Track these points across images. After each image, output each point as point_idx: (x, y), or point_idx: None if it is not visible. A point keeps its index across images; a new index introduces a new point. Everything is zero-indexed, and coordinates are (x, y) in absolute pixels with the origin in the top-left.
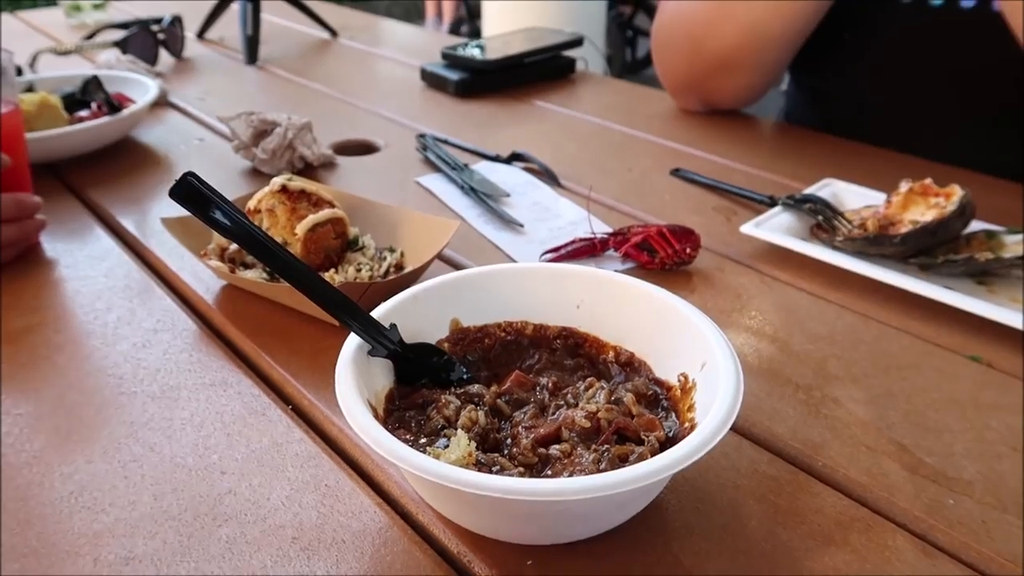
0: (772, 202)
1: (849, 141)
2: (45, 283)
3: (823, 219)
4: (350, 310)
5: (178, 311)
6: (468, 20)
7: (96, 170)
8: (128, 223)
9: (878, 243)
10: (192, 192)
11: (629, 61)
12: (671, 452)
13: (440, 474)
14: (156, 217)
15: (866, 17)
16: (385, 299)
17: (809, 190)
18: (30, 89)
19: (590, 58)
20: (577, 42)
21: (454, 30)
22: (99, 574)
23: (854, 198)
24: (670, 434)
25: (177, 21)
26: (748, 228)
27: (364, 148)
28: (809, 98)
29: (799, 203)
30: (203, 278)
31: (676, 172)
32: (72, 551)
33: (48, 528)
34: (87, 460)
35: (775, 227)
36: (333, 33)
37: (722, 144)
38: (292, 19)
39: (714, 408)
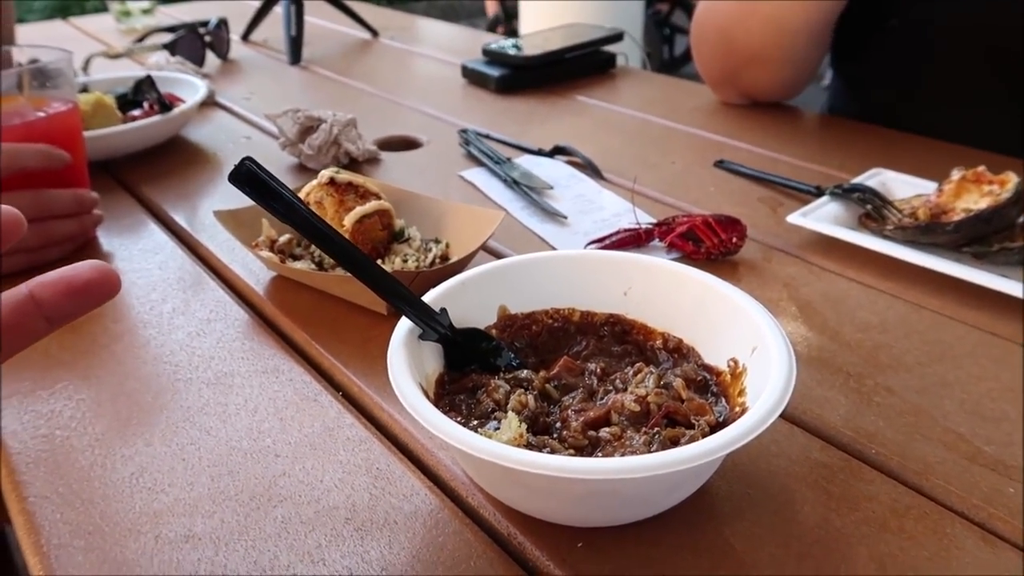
0: (819, 192)
1: (896, 131)
2: None
3: (872, 208)
4: (402, 295)
5: (230, 302)
6: (505, 20)
7: (148, 167)
8: (179, 218)
9: (930, 231)
10: (251, 176)
11: (667, 59)
12: (725, 432)
13: (496, 453)
14: (206, 212)
15: (914, 3)
16: (431, 288)
17: (857, 180)
18: (84, 90)
19: (629, 55)
20: (617, 37)
21: (491, 30)
22: (160, 550)
23: (903, 187)
24: (720, 419)
25: (223, 24)
26: (795, 218)
27: (407, 144)
28: (853, 88)
29: (847, 192)
30: (253, 270)
31: (720, 164)
32: (134, 529)
33: (111, 507)
34: (146, 443)
35: (823, 217)
36: (374, 33)
37: (766, 136)
38: (333, 20)
39: (767, 390)
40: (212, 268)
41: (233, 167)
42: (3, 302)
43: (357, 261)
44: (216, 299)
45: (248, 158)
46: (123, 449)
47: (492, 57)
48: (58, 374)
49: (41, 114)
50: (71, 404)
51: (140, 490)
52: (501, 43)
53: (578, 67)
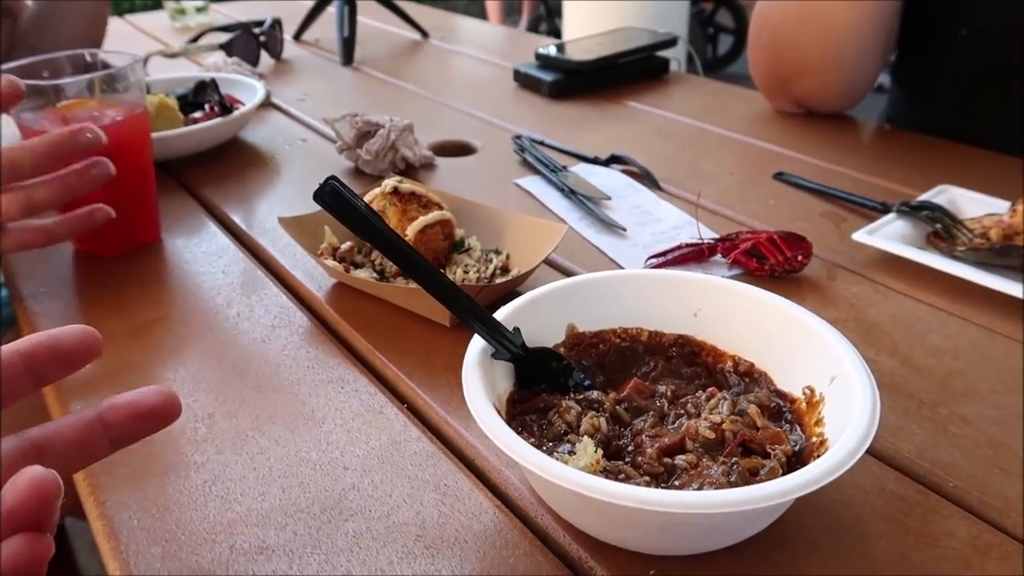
0: (884, 208)
1: (961, 145)
2: (168, 278)
3: (941, 227)
4: (477, 314)
5: (293, 308)
6: (547, 18)
7: (207, 168)
8: (239, 220)
9: (1004, 254)
10: (334, 195)
11: (710, 58)
12: (811, 468)
13: (581, 483)
14: (266, 215)
15: (985, 13)
16: (494, 300)
17: (924, 196)
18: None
19: (679, 57)
20: (671, 42)
21: (532, 29)
22: (235, 561)
23: (972, 205)
24: (796, 448)
25: (277, 24)
26: (861, 236)
27: (461, 149)
28: (915, 97)
29: (915, 210)
30: (315, 276)
31: (779, 176)
32: (209, 538)
33: (185, 515)
34: (218, 451)
35: (889, 235)
36: (424, 34)
37: (824, 147)
38: (383, 20)
39: (851, 426)
40: (274, 272)
41: (318, 186)
42: (74, 423)
43: (437, 282)
44: (279, 305)
45: (332, 177)
46: (195, 456)
47: (545, 61)
48: (129, 378)
49: (112, 118)
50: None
51: (213, 499)
52: (554, 47)
53: (631, 72)
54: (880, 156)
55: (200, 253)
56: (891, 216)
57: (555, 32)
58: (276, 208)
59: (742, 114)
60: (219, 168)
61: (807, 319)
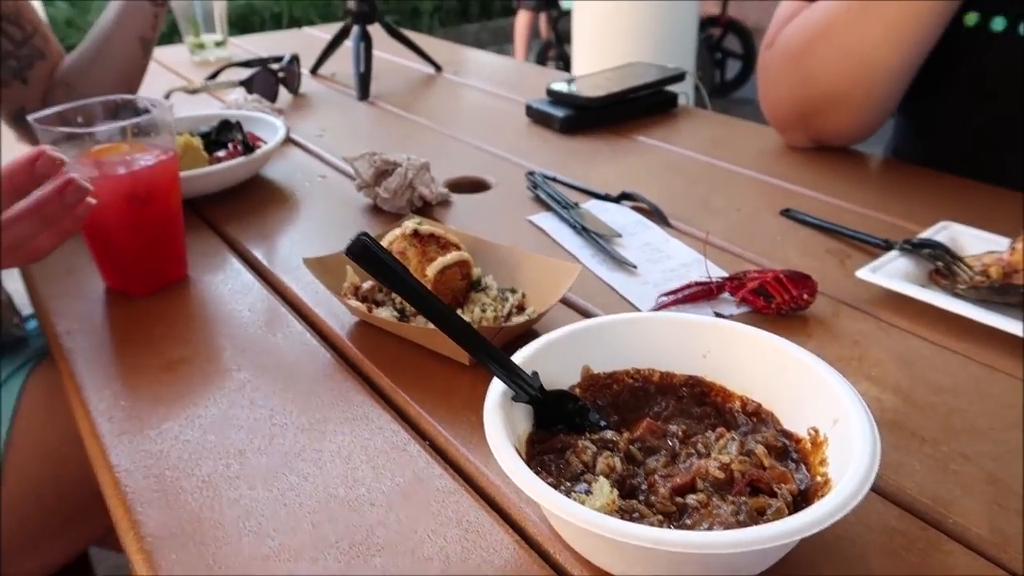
0: (888, 245)
1: (964, 179)
2: (195, 315)
3: (943, 265)
4: (498, 358)
5: (317, 346)
6: (556, 45)
7: (230, 205)
8: (261, 256)
9: (1004, 292)
10: (365, 250)
11: (718, 83)
12: (814, 509)
13: (600, 524)
14: (288, 252)
15: (986, 51)
16: (511, 340)
17: (925, 233)
18: None
19: (686, 82)
20: (679, 77)
21: (541, 54)
22: None
23: (973, 241)
24: (802, 487)
25: (295, 59)
26: (864, 273)
27: (476, 185)
28: (920, 130)
29: (917, 248)
30: (337, 314)
31: (786, 212)
32: (245, 573)
33: (221, 550)
34: (249, 487)
35: (892, 272)
36: (437, 68)
37: (831, 182)
38: (396, 53)
39: (852, 467)
40: (297, 310)
41: (350, 242)
42: None
43: (461, 329)
44: (303, 342)
45: (363, 234)
46: (228, 492)
47: (556, 97)
48: (163, 413)
49: (144, 162)
50: (178, 445)
51: (247, 534)
52: (565, 83)
53: (640, 107)
54: (884, 190)
55: (226, 291)
56: (894, 253)
57: (564, 58)
58: (298, 245)
59: (750, 148)
60: (241, 205)
61: (810, 361)
